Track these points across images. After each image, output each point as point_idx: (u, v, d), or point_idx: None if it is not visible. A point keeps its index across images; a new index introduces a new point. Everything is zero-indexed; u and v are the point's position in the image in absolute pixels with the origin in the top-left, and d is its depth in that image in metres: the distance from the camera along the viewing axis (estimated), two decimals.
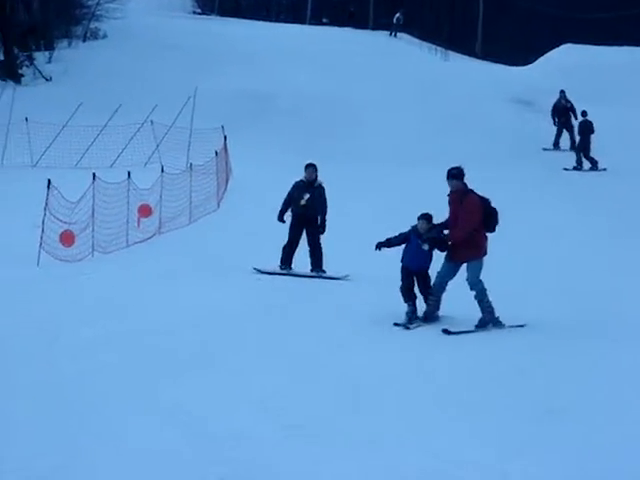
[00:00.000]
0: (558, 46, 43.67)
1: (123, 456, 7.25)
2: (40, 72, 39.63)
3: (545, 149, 31.47)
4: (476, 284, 12.03)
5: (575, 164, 29.16)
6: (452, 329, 11.90)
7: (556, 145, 31.75)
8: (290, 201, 15.88)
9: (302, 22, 59.24)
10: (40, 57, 41.06)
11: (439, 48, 47.51)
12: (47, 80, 39.09)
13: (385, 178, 26.31)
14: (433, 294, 12.32)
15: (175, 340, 11.33)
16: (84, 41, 44.91)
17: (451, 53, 47.72)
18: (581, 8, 52.10)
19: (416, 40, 49.18)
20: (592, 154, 29.09)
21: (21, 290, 14.37)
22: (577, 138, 29.93)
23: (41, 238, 16.38)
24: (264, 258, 16.18)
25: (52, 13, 45.31)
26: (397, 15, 50.12)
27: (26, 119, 28.71)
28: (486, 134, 32.44)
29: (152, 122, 28.48)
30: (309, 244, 15.82)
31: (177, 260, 17.04)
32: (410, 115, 34.53)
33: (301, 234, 15.81)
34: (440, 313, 12.38)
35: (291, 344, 11.35)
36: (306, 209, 15.73)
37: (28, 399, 8.84)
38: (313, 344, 11.33)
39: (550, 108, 32.10)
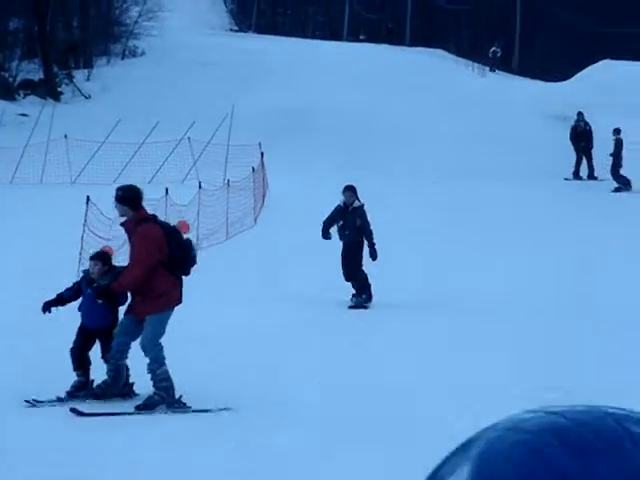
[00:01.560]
0: (596, 62, 43.47)
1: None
2: (79, 90, 40.01)
3: (566, 179, 29.63)
4: (150, 349, 9.08)
5: (617, 185, 27.95)
6: (86, 409, 9.05)
7: (577, 174, 29.94)
8: (331, 222, 15.09)
9: (339, 39, 59.41)
10: (79, 75, 41.46)
11: (476, 64, 47.43)
12: (86, 98, 39.46)
13: (422, 193, 26.24)
14: (109, 361, 9.44)
15: (210, 349, 11.31)
16: (122, 59, 45.31)
17: (487, 69, 47.63)
18: (618, 23, 51.88)
19: (453, 56, 49.16)
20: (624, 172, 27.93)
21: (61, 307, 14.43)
22: (612, 158, 28.23)
23: (80, 254, 16.47)
24: (301, 274, 16.16)
25: (91, 31, 45.77)
26: (493, 48, 48.27)
27: (65, 136, 28.96)
28: (523, 150, 32.30)
29: (190, 139, 28.64)
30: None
31: (214, 276, 17.06)
32: (447, 131, 34.47)
33: (346, 262, 14.78)
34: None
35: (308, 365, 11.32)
36: (342, 236, 14.92)
37: (60, 411, 8.85)
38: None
39: (582, 129, 30.25)
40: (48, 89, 39.92)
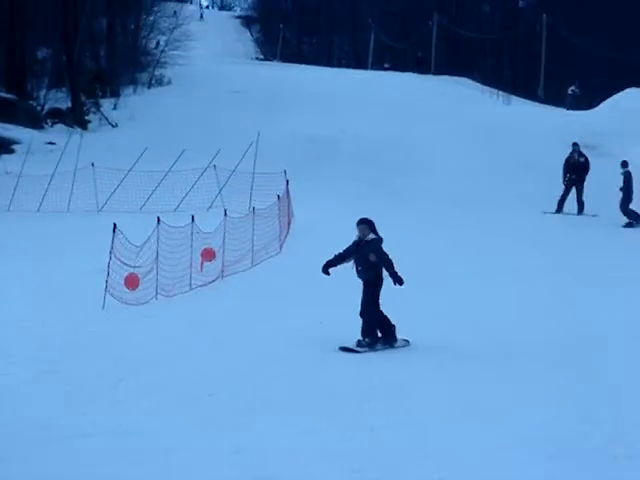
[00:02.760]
0: (621, 90, 43.40)
1: None
2: (106, 118, 40.34)
3: (545, 212, 28.18)
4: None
5: (628, 220, 26.88)
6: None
7: (560, 208, 28.50)
8: (342, 257, 13.75)
9: (364, 67, 59.65)
10: (106, 104, 41.82)
11: (501, 92, 47.47)
12: (113, 126, 39.78)
13: (447, 220, 26.25)
14: None
15: (239, 381, 11.37)
16: (149, 87, 45.69)
17: (513, 97, 47.66)
18: None
19: (478, 84, 49.21)
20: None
21: (87, 332, 14.55)
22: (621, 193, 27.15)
23: (106, 282, 16.58)
24: (325, 301, 16.19)
25: (118, 61, 46.19)
26: (572, 88, 46.89)
27: (92, 164, 29.18)
28: (549, 178, 32.21)
29: (215, 167, 28.79)
30: None
31: (240, 303, 17.13)
32: (472, 159, 34.49)
33: (362, 299, 13.66)
34: None
35: (356, 388, 11.33)
36: (357, 274, 13.66)
37: (94, 443, 8.93)
38: (369, 388, 11.30)
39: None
40: (75, 118, 40.28)
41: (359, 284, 13.56)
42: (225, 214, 21.27)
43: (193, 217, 19.56)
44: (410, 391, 11.16)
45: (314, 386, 11.30)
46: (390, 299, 13.51)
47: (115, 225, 17.07)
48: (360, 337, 13.29)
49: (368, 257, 13.37)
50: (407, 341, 13.49)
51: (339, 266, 13.57)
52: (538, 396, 11.00)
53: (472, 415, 10.14)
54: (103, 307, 16.35)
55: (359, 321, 13.46)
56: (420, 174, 32.87)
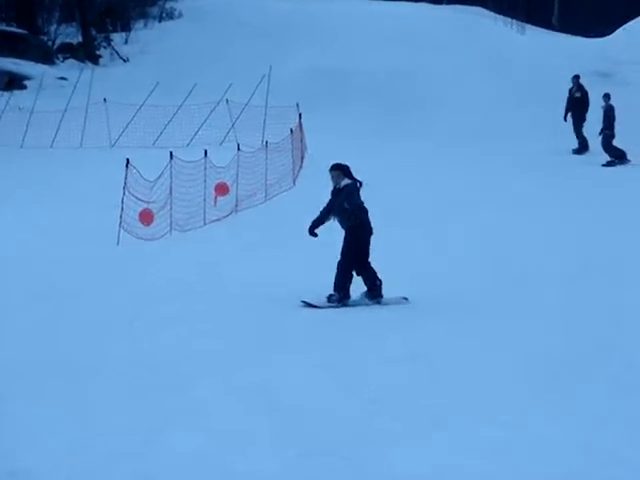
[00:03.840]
0: (638, 16, 42.79)
1: (204, 434, 7.33)
2: (117, 53, 40.06)
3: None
4: None
5: (609, 159, 24.71)
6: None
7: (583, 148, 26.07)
8: (329, 211, 12.41)
9: None
10: (117, 38, 41.50)
11: (515, 21, 46.85)
12: (124, 61, 39.51)
13: (461, 153, 26.11)
14: None
15: (254, 317, 11.41)
16: (160, 21, 45.25)
17: (527, 26, 47.05)
18: None
19: (491, 13, 48.58)
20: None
21: (102, 269, 14.60)
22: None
23: (120, 217, 16.60)
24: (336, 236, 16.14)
25: None
26: None
27: (104, 100, 29.06)
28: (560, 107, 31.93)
29: (227, 101, 28.62)
30: None
31: (254, 238, 17.14)
32: (486, 89, 34.16)
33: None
34: None
35: (371, 322, 11.37)
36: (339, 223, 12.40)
37: (110, 376, 8.99)
38: (388, 321, 11.33)
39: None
40: (86, 53, 40.01)
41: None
42: (238, 148, 21.20)
43: (206, 152, 19.51)
44: (425, 325, 11.18)
45: (329, 323, 11.31)
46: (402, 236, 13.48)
47: (128, 160, 17.04)
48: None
49: (343, 205, 12.10)
50: (405, 299, 12.17)
51: (328, 223, 12.37)
52: (555, 326, 11.01)
53: (488, 346, 10.15)
54: (118, 243, 16.39)
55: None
56: (433, 106, 32.61)
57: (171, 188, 17.93)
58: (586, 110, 26.08)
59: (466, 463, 6.73)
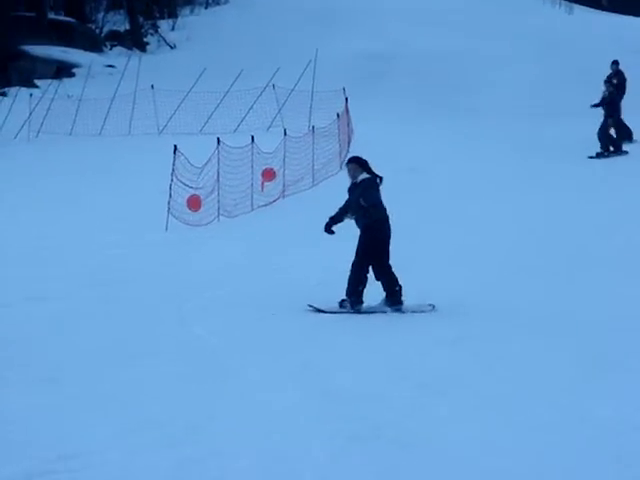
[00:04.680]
0: None
1: (252, 414, 7.38)
2: (164, 40, 40.28)
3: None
4: None
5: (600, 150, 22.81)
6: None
7: (611, 150, 23.22)
8: (347, 209, 11.51)
9: None
10: (164, 25, 41.73)
11: (563, 1, 46.39)
12: (171, 47, 39.73)
13: (510, 135, 25.91)
14: None
15: (303, 301, 11.43)
16: (206, 8, 45.44)
17: (575, 6, 46.58)
18: None
19: None
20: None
21: (151, 254, 14.72)
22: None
23: (169, 203, 16.71)
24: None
25: None
26: None
27: (152, 87, 29.22)
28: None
29: (274, 86, 28.66)
30: None
31: (302, 223, 17.16)
32: (533, 70, 33.87)
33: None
34: None
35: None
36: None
37: (160, 361, 9.06)
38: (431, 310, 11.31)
39: None
40: (134, 40, 40.28)
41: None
42: (285, 133, 21.23)
43: (253, 137, 19.57)
44: (471, 309, 11.16)
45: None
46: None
47: (176, 147, 17.14)
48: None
49: (359, 201, 11.13)
50: (431, 306, 11.11)
51: (346, 220, 11.43)
52: (609, 313, 10.93)
53: (535, 330, 10.11)
54: (166, 229, 16.51)
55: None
56: (480, 89, 32.40)
57: (218, 174, 18.02)
58: (621, 98, 24.01)
59: (516, 442, 6.72)
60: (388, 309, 11.08)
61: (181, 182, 17.12)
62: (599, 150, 22.77)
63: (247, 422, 7.23)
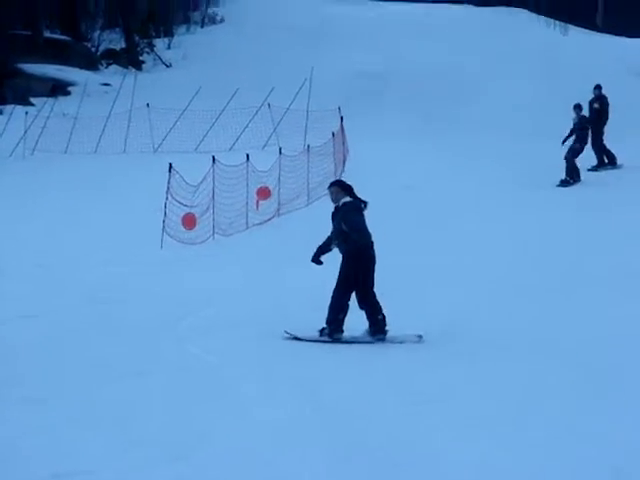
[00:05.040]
0: None
1: (247, 430, 7.37)
2: (160, 58, 40.35)
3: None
4: None
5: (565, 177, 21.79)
6: None
7: (606, 162, 23.23)
8: (330, 240, 11.02)
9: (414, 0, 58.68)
10: (160, 44, 41.80)
11: (557, 22, 46.55)
12: (167, 66, 39.80)
13: (506, 151, 25.93)
14: None
15: (298, 321, 11.42)
16: (202, 27, 45.53)
17: (570, 27, 46.74)
18: None
19: (534, 15, 48.31)
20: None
21: (146, 272, 14.70)
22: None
23: (163, 222, 16.71)
24: (385, 238, 16.09)
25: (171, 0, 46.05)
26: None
27: (147, 105, 29.26)
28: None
29: (269, 105, 28.71)
30: None
31: (296, 242, 17.14)
32: (529, 90, 33.94)
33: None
34: None
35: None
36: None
37: (156, 378, 9.05)
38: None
39: None
40: (130, 58, 40.34)
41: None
42: (280, 152, 21.25)
43: (248, 156, 19.58)
44: (464, 330, 11.14)
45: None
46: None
47: (171, 165, 17.15)
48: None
49: (340, 226, 10.66)
50: (419, 337, 10.51)
51: (334, 249, 10.88)
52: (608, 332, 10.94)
53: (531, 349, 10.10)
54: (161, 247, 16.50)
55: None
56: (475, 107, 32.47)
57: (213, 192, 18.03)
58: (604, 124, 23.28)
59: (512, 460, 6.71)
60: (370, 339, 10.53)
61: (176, 200, 17.13)
62: (564, 177, 21.63)
63: (242, 438, 7.22)
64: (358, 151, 25.37)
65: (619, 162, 23.18)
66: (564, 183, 21.56)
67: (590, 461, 6.77)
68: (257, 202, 19.83)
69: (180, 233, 17.08)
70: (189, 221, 17.31)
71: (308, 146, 23.19)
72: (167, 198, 16.90)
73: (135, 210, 19.57)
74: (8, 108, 32.36)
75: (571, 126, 22.51)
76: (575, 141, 22.13)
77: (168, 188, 16.95)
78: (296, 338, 10.55)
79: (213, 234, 17.75)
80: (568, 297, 12.64)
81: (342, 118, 26.39)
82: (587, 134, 22.39)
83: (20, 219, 19.36)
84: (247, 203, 19.14)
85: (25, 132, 28.86)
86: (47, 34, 39.92)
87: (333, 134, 24.66)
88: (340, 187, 10.94)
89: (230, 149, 26.80)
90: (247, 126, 28.44)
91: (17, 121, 29.51)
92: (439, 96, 33.53)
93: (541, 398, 8.43)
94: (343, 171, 24.24)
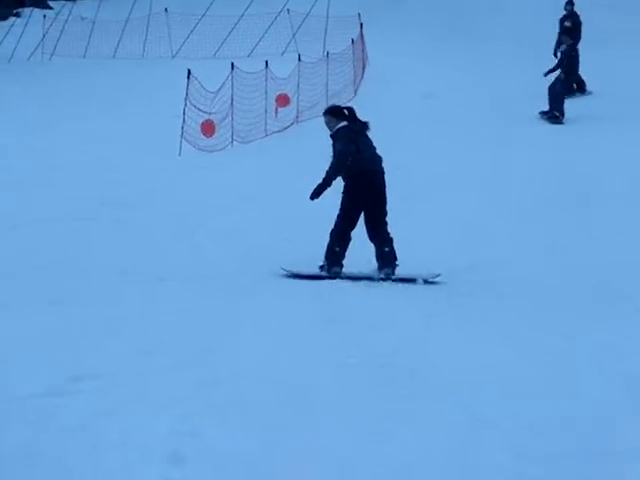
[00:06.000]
0: None
1: (266, 341, 7.45)
2: None
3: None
4: None
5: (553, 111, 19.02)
6: None
7: (576, 89, 20.89)
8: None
9: None
10: None
11: None
12: None
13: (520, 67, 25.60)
14: None
15: (315, 228, 11.44)
16: None
17: None
18: None
19: None
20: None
21: (164, 179, 14.73)
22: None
23: (182, 128, 16.66)
24: (407, 142, 16.05)
25: None
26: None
27: (165, 10, 28.95)
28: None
29: (289, 11, 28.36)
30: None
31: (314, 149, 17.09)
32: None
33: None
34: None
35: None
36: None
37: (175, 284, 9.13)
38: None
39: None
40: None
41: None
42: (299, 59, 21.06)
43: (267, 62, 19.42)
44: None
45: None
46: None
47: (189, 71, 17.04)
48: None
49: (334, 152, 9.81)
50: (437, 275, 9.64)
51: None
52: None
53: (548, 263, 10.14)
54: (179, 154, 16.49)
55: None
56: (498, 15, 31.95)
57: (232, 99, 17.93)
58: (576, 43, 20.71)
59: (527, 370, 6.78)
60: (376, 275, 9.64)
61: (195, 107, 17.05)
62: (545, 109, 19.10)
63: (259, 345, 7.30)
64: (377, 58, 25.08)
65: (588, 89, 21.18)
66: (553, 118, 18.84)
67: (604, 370, 6.85)
68: (276, 109, 19.73)
69: (199, 140, 17.05)
70: (208, 128, 17.26)
71: (327, 53, 22.96)
72: (186, 104, 16.83)
73: (153, 117, 19.50)
74: (26, 11, 32.05)
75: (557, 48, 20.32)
76: (562, 71, 19.50)
77: (187, 94, 16.87)
78: (295, 275, 9.67)
79: (232, 141, 17.71)
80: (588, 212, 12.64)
81: (362, 25, 26.06)
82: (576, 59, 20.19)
83: (37, 124, 19.32)
84: (266, 110, 19.04)
85: (43, 36, 28.64)
86: None
87: (352, 41, 24.39)
88: (331, 114, 9.96)
89: (249, 55, 26.55)
90: (266, 32, 28.14)
91: (35, 25, 29.25)
92: (462, 4, 32.97)
93: (557, 309, 8.50)
94: (362, 78, 24.04)
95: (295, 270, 9.71)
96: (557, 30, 21.55)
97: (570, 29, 21.11)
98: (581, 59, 20.46)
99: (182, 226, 11.70)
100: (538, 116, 19.16)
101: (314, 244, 10.36)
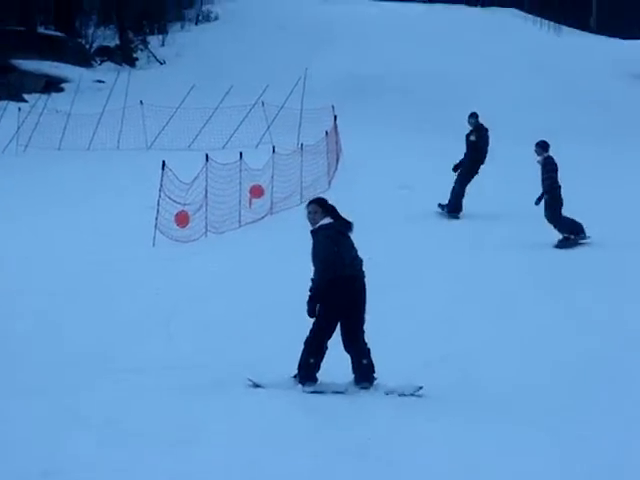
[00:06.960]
0: None
1: (239, 435, 7.38)
2: (154, 56, 40.31)
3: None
4: None
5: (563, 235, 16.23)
6: None
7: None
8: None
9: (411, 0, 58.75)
10: (154, 41, 41.76)
11: (550, 23, 46.57)
12: (161, 63, 39.76)
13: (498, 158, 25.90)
14: None
15: (289, 317, 11.42)
16: (196, 24, 45.47)
17: (563, 28, 46.79)
18: None
19: (526, 15, 48.33)
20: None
21: (138, 269, 14.70)
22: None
23: (156, 219, 16.69)
24: (377, 237, 16.14)
25: None
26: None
27: (141, 102, 29.23)
28: (601, 110, 31.74)
29: (263, 103, 28.69)
30: None
31: (289, 240, 17.16)
32: (522, 90, 33.98)
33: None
34: None
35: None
36: None
37: (147, 376, 9.05)
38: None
39: None
40: (124, 55, 40.30)
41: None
42: (273, 151, 21.24)
43: (241, 154, 19.57)
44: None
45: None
46: None
47: (164, 162, 17.14)
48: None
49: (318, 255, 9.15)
50: (419, 388, 8.86)
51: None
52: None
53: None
54: (153, 244, 16.48)
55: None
56: (468, 107, 32.39)
57: (206, 190, 18.01)
58: (481, 161, 19.23)
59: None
60: (355, 388, 8.93)
61: (169, 198, 17.11)
62: (563, 235, 16.21)
63: (231, 439, 7.22)
64: (351, 150, 25.33)
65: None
66: (564, 242, 16.16)
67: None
68: (250, 200, 19.82)
69: (173, 231, 17.07)
70: (182, 219, 17.29)
71: (302, 145, 23.18)
72: (160, 195, 16.89)
73: (128, 207, 19.55)
74: (1, 104, 32.25)
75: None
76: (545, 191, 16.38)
77: (161, 185, 16.94)
78: (259, 386, 8.87)
79: (206, 232, 17.74)
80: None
81: (335, 117, 26.38)
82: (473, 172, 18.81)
83: (11, 215, 19.30)
84: (240, 201, 19.13)
85: (18, 128, 28.80)
86: (41, 30, 39.85)
87: (326, 133, 24.65)
88: (319, 205, 9.27)
89: (223, 147, 26.77)
90: (241, 124, 28.41)
91: (10, 117, 29.44)
92: (433, 98, 33.52)
93: (531, 402, 8.46)
94: (336, 170, 24.25)
95: (260, 382, 8.88)
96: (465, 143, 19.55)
97: (475, 144, 19.26)
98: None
99: (156, 316, 11.65)
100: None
101: (287, 337, 10.35)
